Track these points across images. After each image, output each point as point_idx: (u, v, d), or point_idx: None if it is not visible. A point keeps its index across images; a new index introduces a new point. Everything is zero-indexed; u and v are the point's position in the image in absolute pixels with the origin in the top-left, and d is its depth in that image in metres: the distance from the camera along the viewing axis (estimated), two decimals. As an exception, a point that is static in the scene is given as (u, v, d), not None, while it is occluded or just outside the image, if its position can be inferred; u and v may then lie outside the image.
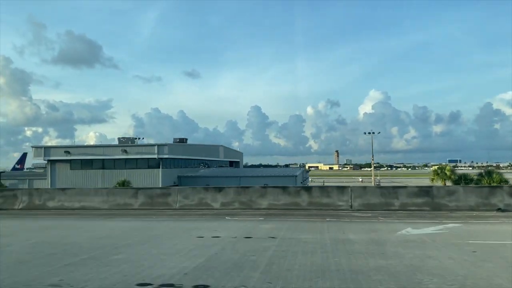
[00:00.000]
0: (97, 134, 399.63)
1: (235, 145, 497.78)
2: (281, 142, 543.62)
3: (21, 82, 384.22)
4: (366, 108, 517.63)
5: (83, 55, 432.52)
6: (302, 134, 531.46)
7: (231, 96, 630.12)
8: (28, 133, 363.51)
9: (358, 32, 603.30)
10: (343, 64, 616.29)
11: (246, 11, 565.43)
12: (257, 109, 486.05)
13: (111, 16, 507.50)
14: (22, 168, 77.57)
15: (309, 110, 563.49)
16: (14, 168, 75.61)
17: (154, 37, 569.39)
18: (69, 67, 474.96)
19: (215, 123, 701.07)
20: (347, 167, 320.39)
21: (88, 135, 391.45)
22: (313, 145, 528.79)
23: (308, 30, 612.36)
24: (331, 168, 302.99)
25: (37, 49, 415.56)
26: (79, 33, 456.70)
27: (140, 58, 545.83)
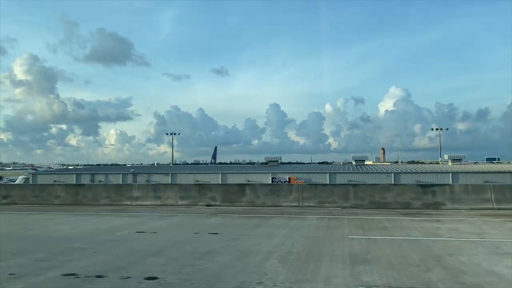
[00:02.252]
0: (117, 131, 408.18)
1: (254, 143, 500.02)
2: (300, 140, 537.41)
3: (49, 80, 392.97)
4: (386, 105, 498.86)
5: (114, 52, 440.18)
6: (321, 132, 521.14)
7: (250, 94, 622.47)
8: (54, 130, 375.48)
9: (376, 28, 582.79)
10: (361, 61, 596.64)
11: (263, 9, 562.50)
12: (275, 106, 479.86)
13: (132, 15, 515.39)
14: (214, 163, 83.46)
15: (328, 107, 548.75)
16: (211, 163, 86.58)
17: (171, 36, 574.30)
18: (100, 65, 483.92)
19: (233, 121, 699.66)
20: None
21: (109, 133, 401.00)
22: (333, 143, 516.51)
23: (327, 27, 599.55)
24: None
25: (69, 47, 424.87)
26: (110, 31, 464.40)
27: (164, 56, 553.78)
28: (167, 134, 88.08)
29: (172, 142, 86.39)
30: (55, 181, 40.20)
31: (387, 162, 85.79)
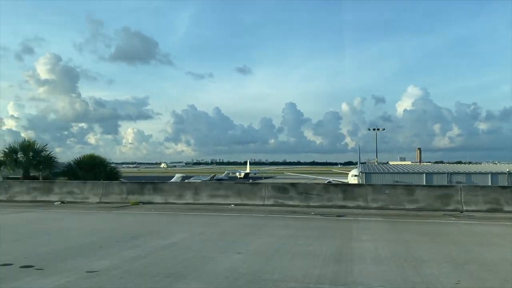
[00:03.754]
0: (135, 130, 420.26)
1: (271, 142, 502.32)
2: (317, 139, 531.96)
3: (71, 79, 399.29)
4: (404, 104, 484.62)
5: (139, 51, 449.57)
6: (338, 131, 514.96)
7: (266, 93, 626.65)
8: (75, 128, 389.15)
9: (393, 27, 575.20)
10: (378, 60, 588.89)
11: (279, 8, 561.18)
12: (292, 106, 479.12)
13: (152, 14, 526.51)
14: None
15: (344, 106, 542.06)
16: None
17: (190, 35, 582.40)
18: (124, 64, 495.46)
19: (249, 120, 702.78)
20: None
21: (127, 132, 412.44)
22: (350, 142, 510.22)
23: (343, 26, 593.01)
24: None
25: (94, 46, 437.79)
26: (135, 30, 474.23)
27: (187, 55, 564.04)
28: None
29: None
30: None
31: (425, 162, 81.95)
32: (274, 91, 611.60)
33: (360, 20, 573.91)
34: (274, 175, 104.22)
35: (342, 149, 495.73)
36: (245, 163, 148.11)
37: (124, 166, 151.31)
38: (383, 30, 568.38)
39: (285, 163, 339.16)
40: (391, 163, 63.06)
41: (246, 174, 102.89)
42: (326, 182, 34.55)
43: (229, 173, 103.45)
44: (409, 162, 77.48)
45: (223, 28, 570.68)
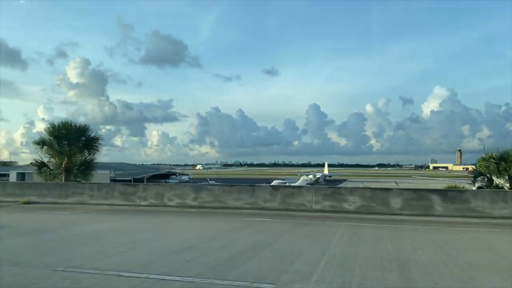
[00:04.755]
0: (159, 132, 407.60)
1: (294, 144, 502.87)
2: (341, 141, 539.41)
3: (100, 83, 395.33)
4: (430, 105, 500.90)
5: (168, 54, 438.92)
6: (363, 133, 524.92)
7: (289, 94, 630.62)
8: (102, 131, 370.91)
9: (418, 27, 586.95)
10: (402, 61, 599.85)
11: (303, 9, 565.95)
12: (315, 107, 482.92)
13: (178, 18, 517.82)
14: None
15: (369, 108, 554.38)
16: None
17: (216, 37, 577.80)
18: (154, 67, 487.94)
19: (273, 122, 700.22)
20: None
21: (152, 134, 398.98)
22: (375, 144, 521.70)
23: (367, 26, 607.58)
24: (466, 169, 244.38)
25: (124, 49, 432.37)
26: (164, 33, 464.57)
27: (215, 57, 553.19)
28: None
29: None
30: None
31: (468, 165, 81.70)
32: (298, 93, 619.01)
33: (386, 20, 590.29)
34: (346, 178, 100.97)
35: (367, 150, 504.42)
36: (274, 164, 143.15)
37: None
38: (409, 30, 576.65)
39: (310, 165, 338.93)
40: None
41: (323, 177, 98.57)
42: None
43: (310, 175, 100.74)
44: (451, 165, 77.14)
45: (248, 30, 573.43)
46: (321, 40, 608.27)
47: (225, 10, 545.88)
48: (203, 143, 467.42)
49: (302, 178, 63.21)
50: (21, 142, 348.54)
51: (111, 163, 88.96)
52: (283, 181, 61.95)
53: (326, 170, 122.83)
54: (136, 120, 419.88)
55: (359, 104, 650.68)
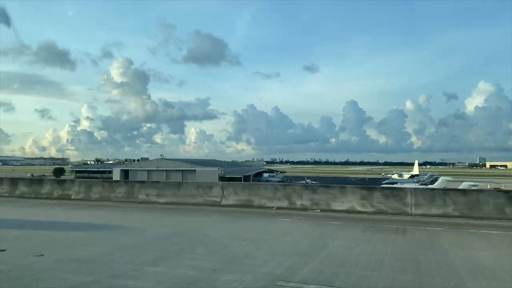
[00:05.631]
0: (197, 130, 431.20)
1: (332, 141, 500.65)
2: (380, 138, 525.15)
3: (142, 82, 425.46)
4: (475, 101, 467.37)
5: (209, 53, 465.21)
6: (403, 130, 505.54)
7: (326, 91, 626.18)
8: (144, 129, 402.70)
9: (460, 20, 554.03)
10: (444, 55, 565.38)
11: (339, 4, 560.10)
12: (353, 104, 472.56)
13: (214, 17, 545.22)
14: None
15: (409, 104, 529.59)
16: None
17: (255, 35, 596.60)
18: (196, 66, 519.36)
19: (309, 119, 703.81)
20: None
21: (190, 131, 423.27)
22: (416, 141, 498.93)
23: (406, 21, 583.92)
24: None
25: (166, 49, 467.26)
26: (205, 32, 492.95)
27: (255, 55, 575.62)
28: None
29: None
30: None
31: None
32: (335, 89, 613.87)
33: (427, 13, 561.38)
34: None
35: (408, 148, 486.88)
36: (315, 162, 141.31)
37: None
38: (451, 23, 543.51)
39: (349, 163, 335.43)
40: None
41: (413, 176, 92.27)
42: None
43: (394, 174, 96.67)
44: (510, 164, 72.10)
45: (285, 27, 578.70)
46: (359, 35, 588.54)
47: (260, 8, 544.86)
48: (239, 141, 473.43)
49: (441, 179, 56.71)
50: (67, 140, 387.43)
51: (200, 159, 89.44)
52: (390, 181, 56.49)
53: (416, 170, 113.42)
54: (176, 118, 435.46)
55: (398, 101, 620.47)
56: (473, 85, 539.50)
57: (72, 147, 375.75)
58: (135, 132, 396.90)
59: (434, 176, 69.68)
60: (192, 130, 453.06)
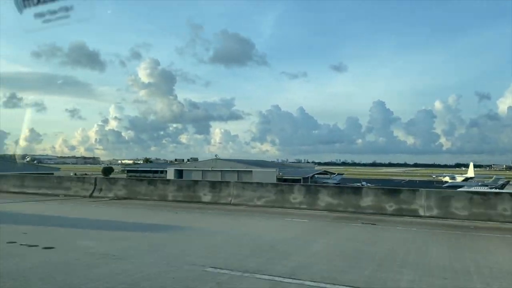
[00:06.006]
0: (222, 130, 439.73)
1: (358, 142, 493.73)
2: (408, 139, 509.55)
3: (168, 82, 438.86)
4: (508, 101, 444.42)
5: (236, 53, 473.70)
6: (432, 131, 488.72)
7: (352, 91, 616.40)
8: (170, 129, 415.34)
9: (492, 17, 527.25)
10: (474, 54, 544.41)
11: (365, 3, 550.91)
12: (380, 104, 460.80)
13: (243, 17, 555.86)
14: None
15: (438, 104, 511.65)
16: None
17: (281, 35, 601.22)
18: (222, 66, 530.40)
19: (334, 119, 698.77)
20: None
21: (215, 132, 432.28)
22: (445, 143, 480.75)
23: (434, 18, 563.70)
24: None
25: (193, 49, 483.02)
26: (232, 32, 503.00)
27: (282, 55, 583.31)
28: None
29: None
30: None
31: None
32: (361, 89, 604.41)
33: (457, 10, 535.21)
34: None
35: (436, 149, 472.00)
36: (343, 163, 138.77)
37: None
38: (482, 21, 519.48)
39: (376, 164, 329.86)
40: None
41: (467, 179, 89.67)
42: None
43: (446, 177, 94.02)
44: None
45: (310, 26, 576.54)
46: (386, 35, 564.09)
47: (287, 8, 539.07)
48: (264, 141, 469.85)
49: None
50: (95, 139, 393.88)
51: (252, 160, 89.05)
52: (452, 184, 53.07)
53: (471, 172, 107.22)
54: (201, 118, 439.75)
55: (427, 101, 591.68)
56: (506, 84, 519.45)
57: (100, 147, 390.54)
58: (162, 132, 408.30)
59: (502, 180, 65.06)
60: (217, 130, 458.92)
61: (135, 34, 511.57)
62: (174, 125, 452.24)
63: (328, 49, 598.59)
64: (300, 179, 48.54)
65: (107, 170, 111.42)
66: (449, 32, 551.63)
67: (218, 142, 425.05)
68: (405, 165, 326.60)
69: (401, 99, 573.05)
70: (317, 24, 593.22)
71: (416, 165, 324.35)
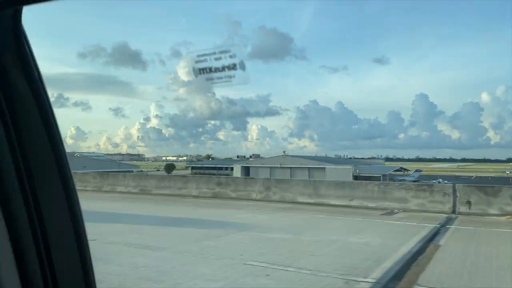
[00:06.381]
0: (259, 126, 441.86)
1: (400, 137, 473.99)
2: (453, 133, 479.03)
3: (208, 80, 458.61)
4: None
5: (274, 48, 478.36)
6: (479, 124, 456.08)
7: (393, 84, 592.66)
8: (208, 126, 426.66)
9: None
10: None
11: None
12: (423, 97, 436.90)
13: (279, 12, 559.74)
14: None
15: (485, 96, 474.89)
16: None
17: (317, 29, 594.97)
18: (260, 62, 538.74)
19: (375, 114, 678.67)
20: None
21: (252, 128, 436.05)
22: (493, 136, 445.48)
23: (479, 7, 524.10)
24: None
25: (231, 46, 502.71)
26: (270, 27, 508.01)
27: (320, 49, 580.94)
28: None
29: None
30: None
31: None
32: (403, 82, 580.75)
33: None
34: None
35: (484, 144, 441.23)
36: (387, 159, 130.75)
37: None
38: None
39: (420, 160, 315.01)
40: None
41: None
42: None
43: None
44: None
45: (349, 19, 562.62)
46: (429, 24, 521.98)
47: (323, 1, 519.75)
48: (301, 137, 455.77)
49: None
50: (137, 136, 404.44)
51: (323, 157, 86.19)
52: None
53: None
54: (238, 115, 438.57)
55: (473, 93, 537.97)
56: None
57: (142, 144, 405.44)
58: (200, 129, 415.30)
59: None
60: (253, 127, 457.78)
61: (176, 33, 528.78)
62: (212, 122, 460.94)
63: (368, 41, 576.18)
64: (380, 176, 45.75)
65: (169, 167, 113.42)
66: (498, 19, 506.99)
67: (255, 138, 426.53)
68: (452, 160, 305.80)
69: (445, 92, 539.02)
70: (356, 16, 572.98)
71: (464, 160, 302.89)
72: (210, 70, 1.29)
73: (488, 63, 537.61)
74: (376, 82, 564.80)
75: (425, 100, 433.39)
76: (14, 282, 0.88)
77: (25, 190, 0.98)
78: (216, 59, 1.26)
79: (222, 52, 1.24)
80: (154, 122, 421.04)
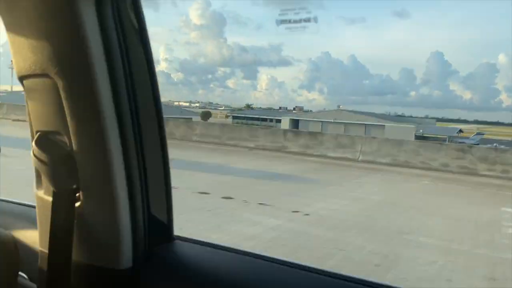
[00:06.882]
0: (269, 76, 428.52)
1: (412, 94, 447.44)
2: (465, 94, 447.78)
3: (219, 25, 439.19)
4: None
5: None
6: (492, 86, 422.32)
7: (410, 40, 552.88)
8: (219, 73, 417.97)
9: None
10: None
11: None
12: (438, 55, 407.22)
13: None
14: None
15: (502, 57, 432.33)
16: None
17: None
18: (276, 9, 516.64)
19: (388, 69, 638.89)
20: None
21: (261, 78, 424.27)
22: (505, 99, 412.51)
23: None
24: None
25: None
26: None
27: None
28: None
29: None
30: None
31: None
32: (420, 38, 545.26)
33: None
34: None
35: (494, 106, 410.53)
36: (398, 116, 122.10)
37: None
38: None
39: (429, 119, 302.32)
40: None
41: None
42: None
43: None
44: None
45: None
46: None
47: None
48: (311, 89, 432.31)
49: None
50: None
51: (381, 114, 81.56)
52: None
53: None
54: (250, 63, 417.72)
55: (491, 53, 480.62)
56: None
57: None
58: (210, 76, 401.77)
59: None
60: (264, 76, 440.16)
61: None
62: (223, 69, 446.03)
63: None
64: (446, 138, 44.58)
65: (206, 115, 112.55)
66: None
67: (265, 89, 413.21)
68: (464, 121, 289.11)
69: (462, 51, 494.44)
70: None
71: (477, 121, 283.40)
72: (289, 21, 1.53)
73: (508, 22, 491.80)
74: (392, 37, 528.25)
75: (440, 58, 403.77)
76: (124, 201, 1.11)
77: (136, 135, 1.15)
78: (295, 13, 1.52)
79: (301, 8, 1.51)
80: (163, 66, 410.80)
